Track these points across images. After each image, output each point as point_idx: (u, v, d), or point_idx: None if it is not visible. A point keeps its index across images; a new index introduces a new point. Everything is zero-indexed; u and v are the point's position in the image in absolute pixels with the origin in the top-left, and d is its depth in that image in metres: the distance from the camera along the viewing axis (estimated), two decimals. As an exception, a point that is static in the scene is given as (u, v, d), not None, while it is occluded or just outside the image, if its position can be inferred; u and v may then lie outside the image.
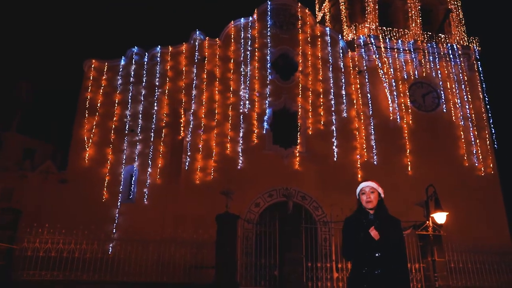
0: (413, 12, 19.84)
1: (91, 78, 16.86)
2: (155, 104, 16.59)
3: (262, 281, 10.87)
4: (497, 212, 16.60)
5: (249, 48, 17.69)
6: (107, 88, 16.83)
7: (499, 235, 15.45)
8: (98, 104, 16.44)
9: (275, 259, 11.07)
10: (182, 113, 16.45)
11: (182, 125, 16.32)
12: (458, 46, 19.24)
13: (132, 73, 17.00)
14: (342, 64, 18.15)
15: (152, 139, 16.06)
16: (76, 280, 10.43)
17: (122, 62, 17.24)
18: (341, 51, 18.40)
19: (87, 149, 15.70)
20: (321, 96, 17.38)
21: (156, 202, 15.10)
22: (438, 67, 18.79)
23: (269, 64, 17.59)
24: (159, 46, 17.46)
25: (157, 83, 16.86)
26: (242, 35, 17.87)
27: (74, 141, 16.01)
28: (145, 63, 17.22)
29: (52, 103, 19.64)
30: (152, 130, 16.18)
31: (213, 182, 15.00)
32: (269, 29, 18.19)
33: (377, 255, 3.51)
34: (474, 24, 27.56)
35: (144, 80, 16.88)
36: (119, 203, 15.17)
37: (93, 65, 17.08)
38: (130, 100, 16.57)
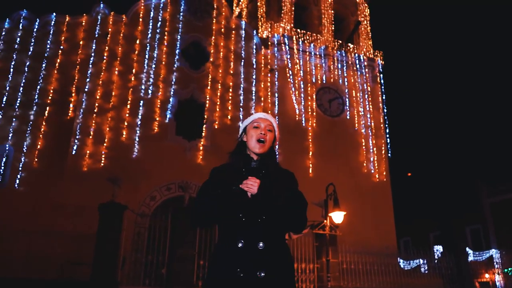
0: (326, 19, 20.28)
1: (-35, 40, 14.33)
2: (41, 77, 14.35)
3: (147, 279, 9.82)
4: (386, 216, 17.49)
5: (158, 31, 16.43)
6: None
7: (387, 238, 16.25)
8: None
9: (165, 256, 10.15)
10: (74, 91, 14.57)
11: (72, 105, 14.43)
12: (365, 57, 20.06)
13: (18, 39, 14.68)
14: (254, 60, 17.75)
15: (32, 117, 13.87)
16: None
17: (6, 25, 14.83)
18: (254, 47, 18.01)
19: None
20: (231, 90, 16.79)
21: (33, 188, 13.02)
22: (345, 75, 19.34)
23: (178, 51, 16.49)
24: (54, 14, 15.37)
25: (46, 55, 14.72)
26: (152, 15, 16.55)
27: None
28: (35, 30, 14.96)
29: None
30: (35, 106, 14.00)
31: (103, 170, 13.41)
32: (182, 14, 17.12)
33: (260, 220, 2.27)
34: (380, 39, 29.50)
35: (31, 49, 14.65)
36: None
37: (-32, 25, 14.51)
38: (12, 70, 14.25)
